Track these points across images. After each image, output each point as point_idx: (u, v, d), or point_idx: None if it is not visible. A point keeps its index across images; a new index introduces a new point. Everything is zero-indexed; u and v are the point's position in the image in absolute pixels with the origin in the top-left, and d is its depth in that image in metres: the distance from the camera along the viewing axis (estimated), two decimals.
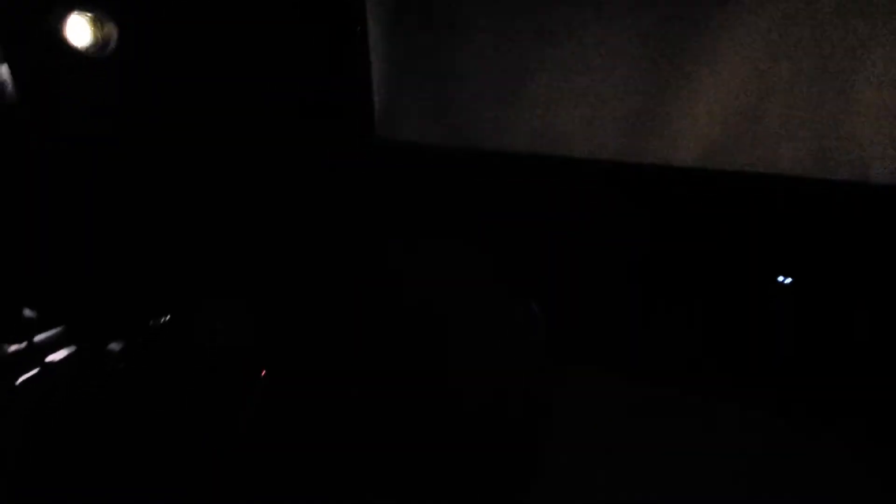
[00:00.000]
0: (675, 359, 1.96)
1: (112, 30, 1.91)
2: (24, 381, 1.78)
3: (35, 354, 1.85)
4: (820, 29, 1.61)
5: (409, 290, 2.09)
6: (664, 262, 1.98)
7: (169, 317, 2.04)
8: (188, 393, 1.93)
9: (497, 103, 2.00)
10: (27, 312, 1.91)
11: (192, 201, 2.21)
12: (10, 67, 1.83)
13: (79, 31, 1.83)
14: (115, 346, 1.94)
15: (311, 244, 2.24)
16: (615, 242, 2.03)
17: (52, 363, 1.86)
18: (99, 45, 1.90)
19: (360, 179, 2.18)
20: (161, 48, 2.05)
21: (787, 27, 1.64)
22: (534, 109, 1.96)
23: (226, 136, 2.17)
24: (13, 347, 1.84)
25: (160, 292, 2.15)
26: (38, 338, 1.88)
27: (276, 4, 2.10)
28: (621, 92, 1.87)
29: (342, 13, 2.05)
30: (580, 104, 1.92)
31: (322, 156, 2.22)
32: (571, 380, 2.01)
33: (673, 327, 2.00)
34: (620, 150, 1.92)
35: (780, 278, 1.90)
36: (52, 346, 1.89)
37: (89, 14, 1.84)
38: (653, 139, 1.87)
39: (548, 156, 1.99)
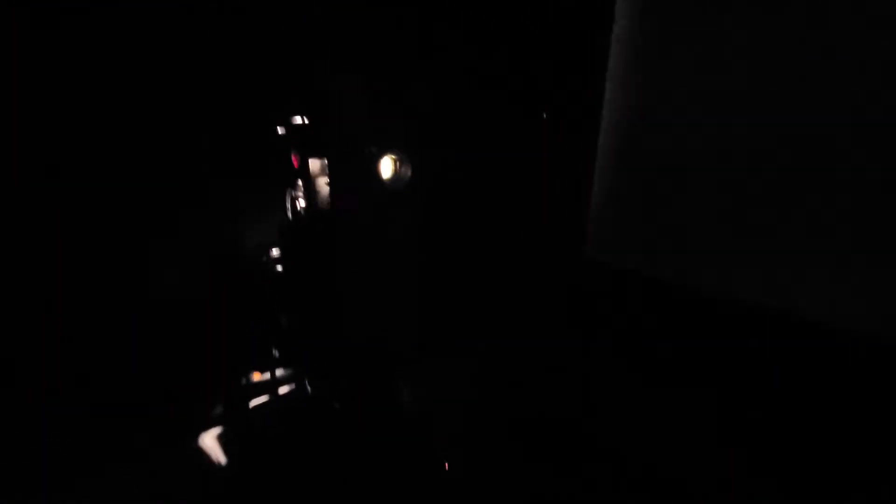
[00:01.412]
0: None
1: (407, 170, 2.62)
2: (257, 405, 2.20)
3: (272, 384, 2.29)
4: None
5: None
6: None
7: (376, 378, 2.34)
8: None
9: (716, 249, 1.96)
10: (274, 352, 2.41)
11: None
12: (331, 185, 2.62)
13: (386, 166, 2.57)
14: (336, 400, 2.30)
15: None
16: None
17: (281, 394, 2.27)
18: (395, 178, 2.61)
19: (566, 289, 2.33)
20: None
21: None
22: (758, 260, 1.86)
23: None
24: (259, 376, 2.31)
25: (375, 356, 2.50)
26: (277, 372, 2.33)
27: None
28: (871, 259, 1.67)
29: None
30: (816, 266, 1.76)
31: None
32: None
33: None
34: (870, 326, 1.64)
35: None
36: (285, 380, 2.32)
37: (395, 157, 2.59)
38: None
39: (769, 312, 1.82)
